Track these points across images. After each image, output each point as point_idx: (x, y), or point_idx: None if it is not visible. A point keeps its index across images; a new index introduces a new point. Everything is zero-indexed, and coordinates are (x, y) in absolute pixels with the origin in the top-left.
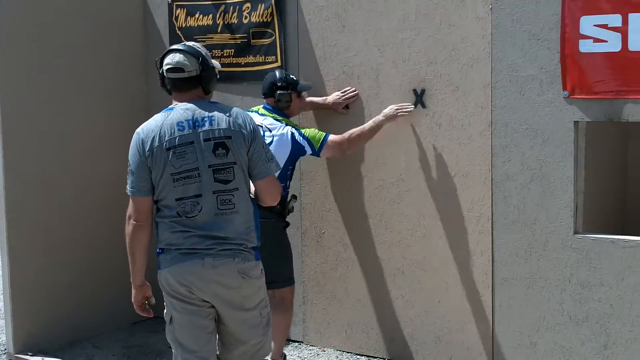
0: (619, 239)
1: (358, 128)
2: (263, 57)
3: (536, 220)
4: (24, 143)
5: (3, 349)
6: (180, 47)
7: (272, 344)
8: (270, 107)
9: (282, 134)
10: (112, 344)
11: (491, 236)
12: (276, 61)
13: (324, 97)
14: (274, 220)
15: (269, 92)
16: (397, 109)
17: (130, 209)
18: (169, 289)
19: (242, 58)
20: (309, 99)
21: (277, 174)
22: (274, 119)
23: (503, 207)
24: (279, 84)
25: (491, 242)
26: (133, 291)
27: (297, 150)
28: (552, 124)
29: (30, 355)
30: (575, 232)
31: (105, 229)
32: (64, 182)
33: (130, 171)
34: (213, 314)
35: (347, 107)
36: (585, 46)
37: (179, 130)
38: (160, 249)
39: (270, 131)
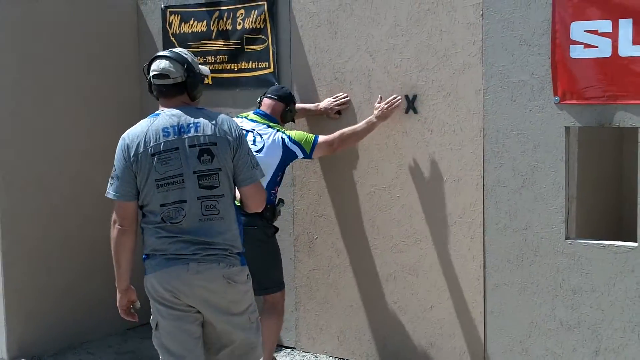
0: (610, 244)
1: (350, 127)
2: (256, 63)
3: (528, 225)
4: (17, 147)
5: None
6: (166, 54)
7: (264, 350)
8: (264, 113)
9: (274, 140)
10: (105, 350)
11: (483, 242)
12: (269, 67)
13: (316, 104)
14: (263, 227)
15: (284, 98)
16: (387, 106)
17: (114, 214)
18: (154, 295)
19: (236, 64)
20: (300, 105)
21: (267, 180)
22: (267, 126)
23: (495, 213)
24: (294, 100)
25: (483, 248)
26: (118, 295)
27: (288, 156)
28: (544, 130)
29: None
30: (567, 238)
31: (98, 234)
32: (57, 187)
33: (115, 176)
34: (200, 319)
35: (339, 112)
36: (575, 52)
37: (164, 136)
38: (145, 254)
39: (262, 137)
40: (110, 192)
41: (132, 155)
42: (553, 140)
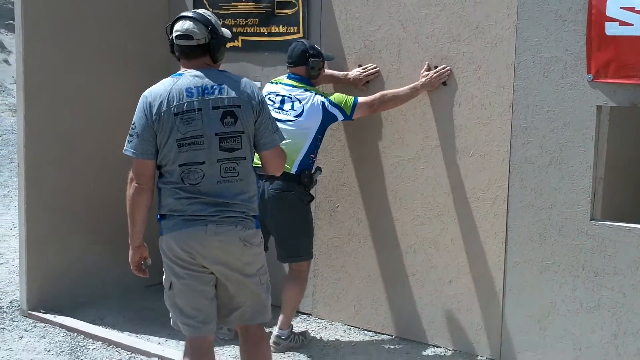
0: (635, 227)
1: (393, 90)
2: (286, 27)
3: (553, 204)
4: (45, 104)
5: (17, 305)
6: (190, 15)
7: (282, 315)
8: (299, 77)
9: (313, 104)
10: (123, 306)
11: (506, 218)
12: (298, 32)
13: (345, 72)
14: (300, 193)
15: (299, 61)
16: (436, 75)
17: (132, 172)
18: (170, 255)
19: (266, 28)
20: (329, 72)
21: (307, 144)
22: (304, 90)
23: (520, 190)
24: (310, 52)
25: (505, 225)
26: (130, 252)
27: (328, 119)
28: (575, 108)
29: (43, 313)
30: (592, 219)
31: (121, 192)
32: (83, 144)
33: (135, 133)
34: (213, 280)
35: (366, 82)
36: (611, 29)
37: (187, 96)
38: (161, 214)
39: (300, 102)
40: (128, 150)
41: (154, 113)
42: (584, 118)
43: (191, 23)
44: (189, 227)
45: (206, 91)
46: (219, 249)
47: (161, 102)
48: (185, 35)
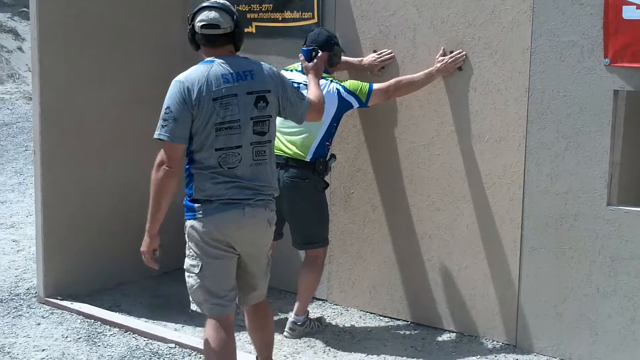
0: None
1: (408, 76)
2: (300, 13)
3: (569, 189)
4: (60, 89)
5: (34, 292)
6: (215, 4)
7: (298, 301)
8: None
9: (329, 91)
10: (139, 293)
11: (522, 204)
12: (313, 18)
13: (360, 58)
14: (315, 181)
15: (325, 47)
16: (451, 61)
17: (162, 156)
18: (205, 237)
19: (280, 13)
20: (344, 59)
21: (322, 132)
22: (321, 77)
23: (536, 175)
24: (334, 40)
25: (521, 210)
26: (147, 239)
27: (343, 106)
28: (591, 92)
29: (60, 300)
30: (609, 204)
31: (137, 180)
32: (99, 130)
33: (171, 118)
34: (236, 261)
35: (381, 68)
36: (628, 12)
37: (224, 82)
38: (194, 199)
39: None
40: (163, 134)
41: (194, 98)
42: (600, 103)
43: (217, 13)
44: (228, 210)
45: (239, 77)
46: (251, 231)
47: (200, 87)
48: (211, 25)
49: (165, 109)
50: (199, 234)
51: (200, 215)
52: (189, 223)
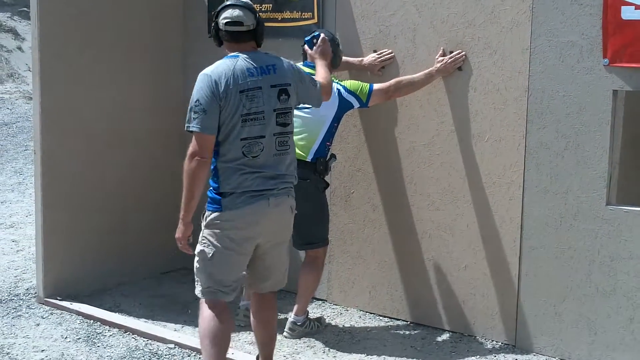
0: None
1: (408, 76)
2: (300, 13)
3: (568, 189)
4: (60, 90)
5: (33, 292)
6: (238, 3)
7: (297, 301)
8: (314, 65)
9: None
10: (139, 293)
11: (521, 204)
12: (313, 18)
13: (360, 58)
14: (315, 181)
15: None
16: (451, 61)
17: (194, 147)
18: (227, 231)
19: (280, 13)
20: (344, 59)
21: (323, 132)
22: None
23: (535, 175)
24: (336, 41)
25: (521, 210)
26: (181, 227)
27: (344, 107)
28: (591, 92)
29: (59, 300)
30: (608, 204)
31: (137, 180)
32: (99, 132)
33: (201, 110)
34: (249, 257)
35: (382, 68)
36: (627, 13)
37: (249, 75)
38: (221, 192)
39: None
40: (194, 126)
41: (222, 90)
42: (600, 103)
43: (240, 11)
44: (254, 202)
45: (263, 71)
46: (276, 219)
47: (227, 80)
48: (235, 22)
49: (195, 101)
50: (221, 226)
51: (227, 208)
52: (212, 214)
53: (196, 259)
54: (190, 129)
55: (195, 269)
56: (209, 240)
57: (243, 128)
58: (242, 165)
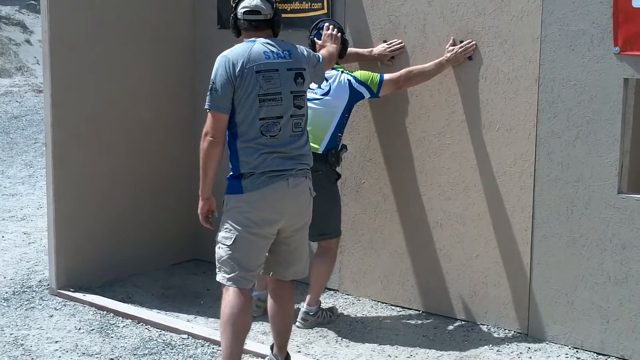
0: None
1: (419, 66)
2: (309, 3)
3: (580, 178)
4: (70, 83)
5: (46, 284)
6: None
7: (310, 291)
8: None
9: (340, 82)
10: (151, 284)
11: (533, 193)
12: (322, 8)
13: (370, 49)
14: (327, 172)
15: None
16: (461, 51)
17: (207, 127)
18: (249, 210)
19: (289, 4)
20: (354, 50)
21: (334, 123)
22: (332, 68)
23: (546, 164)
24: (344, 31)
25: (532, 199)
26: (200, 203)
27: (354, 97)
28: (601, 81)
29: (72, 291)
30: (619, 192)
31: (148, 172)
32: (108, 123)
33: (215, 89)
34: (271, 242)
35: (392, 58)
36: (638, 1)
37: (265, 57)
38: (240, 174)
39: (327, 80)
40: (208, 104)
41: (237, 70)
42: (610, 91)
43: (259, 1)
44: (274, 182)
45: (279, 55)
46: (295, 199)
47: (243, 60)
48: (254, 11)
49: (211, 82)
50: (242, 208)
51: (247, 190)
52: (233, 197)
53: (217, 245)
54: (205, 107)
55: (217, 257)
56: (230, 225)
57: (261, 108)
58: (261, 145)
